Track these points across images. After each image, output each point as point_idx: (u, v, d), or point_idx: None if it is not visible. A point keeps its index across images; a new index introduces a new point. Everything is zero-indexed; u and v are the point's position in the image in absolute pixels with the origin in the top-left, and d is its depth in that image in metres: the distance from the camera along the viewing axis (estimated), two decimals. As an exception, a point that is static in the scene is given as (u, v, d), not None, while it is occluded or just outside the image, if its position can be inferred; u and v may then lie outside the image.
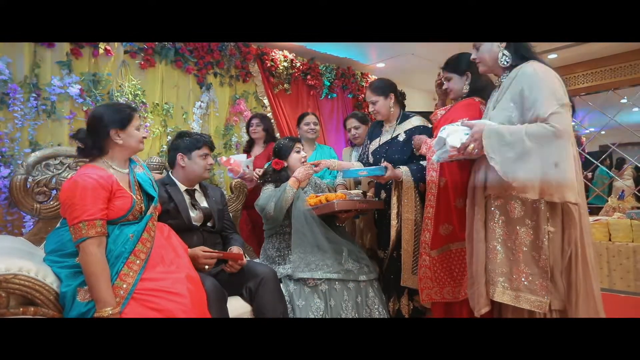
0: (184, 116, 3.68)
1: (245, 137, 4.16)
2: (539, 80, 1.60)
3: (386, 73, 5.51)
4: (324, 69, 4.85)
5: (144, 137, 1.82)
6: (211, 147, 2.25)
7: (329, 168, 2.68)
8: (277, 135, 4.34)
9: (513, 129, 1.59)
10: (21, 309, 1.47)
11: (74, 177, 1.61)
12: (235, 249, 2.14)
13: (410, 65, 5.30)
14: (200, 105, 3.81)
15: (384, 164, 2.33)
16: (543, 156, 1.54)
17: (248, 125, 3.55)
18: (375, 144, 2.58)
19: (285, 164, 2.59)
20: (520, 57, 1.73)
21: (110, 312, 1.45)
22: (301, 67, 4.60)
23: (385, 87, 2.50)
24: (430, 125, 2.43)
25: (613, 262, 4.04)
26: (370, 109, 2.53)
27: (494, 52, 1.78)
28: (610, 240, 4.15)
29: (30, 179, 2.05)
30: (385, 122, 2.58)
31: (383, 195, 2.53)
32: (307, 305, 2.12)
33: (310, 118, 3.35)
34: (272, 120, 4.13)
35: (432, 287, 2.07)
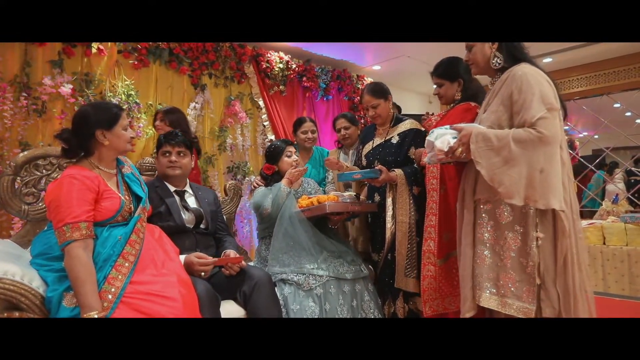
0: (177, 117, 3.63)
1: (240, 139, 4.15)
2: (528, 83, 1.56)
3: (382, 75, 5.52)
4: (319, 70, 4.84)
5: (133, 138, 1.77)
6: (175, 144, 2.14)
7: (338, 170, 2.62)
8: (273, 137, 4.33)
9: (500, 133, 1.57)
10: (5, 314, 1.43)
11: (59, 178, 1.56)
12: (230, 253, 2.10)
13: (406, 68, 5.31)
14: (194, 107, 3.78)
15: (378, 166, 2.31)
16: (529, 162, 1.51)
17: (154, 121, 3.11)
18: (368, 147, 2.58)
19: (276, 168, 2.57)
20: (513, 58, 1.68)
21: (96, 317, 1.40)
22: (297, 68, 4.58)
23: (384, 90, 2.49)
24: (423, 129, 2.43)
25: (607, 265, 4.06)
26: (370, 113, 2.50)
27: (486, 54, 1.74)
28: (604, 243, 4.17)
29: (18, 180, 2.00)
30: (379, 125, 2.57)
31: (377, 198, 2.51)
32: (302, 309, 2.09)
33: (308, 126, 3.05)
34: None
35: (435, 299, 2.05)
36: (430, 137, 1.71)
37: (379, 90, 2.48)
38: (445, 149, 1.64)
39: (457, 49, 2.07)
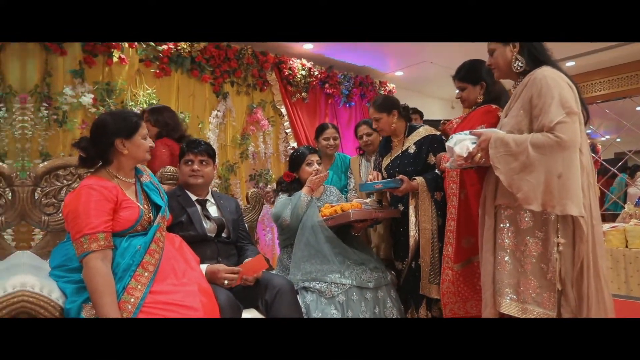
0: (199, 125, 3.63)
1: (262, 147, 4.11)
2: (547, 87, 1.54)
3: (404, 81, 5.47)
4: (342, 77, 4.79)
5: (152, 147, 1.74)
6: (198, 153, 2.12)
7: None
8: (295, 144, 4.28)
9: (518, 138, 1.56)
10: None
11: (76, 189, 1.55)
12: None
13: (428, 74, 5.25)
14: (216, 115, 3.77)
15: (400, 176, 2.31)
16: (547, 167, 1.50)
17: None
18: (387, 160, 2.58)
19: (296, 176, 2.55)
20: (534, 61, 1.66)
21: None
22: (319, 75, 4.55)
23: (388, 104, 2.48)
24: (438, 133, 2.45)
25: (630, 268, 3.95)
26: (374, 125, 2.56)
27: (507, 58, 1.71)
28: (627, 247, 4.05)
29: (38, 190, 1.99)
30: (393, 137, 2.58)
31: (400, 208, 2.49)
32: (324, 317, 2.06)
33: (330, 132, 3.06)
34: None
35: (455, 302, 2.08)
36: (449, 143, 1.72)
37: (383, 104, 2.47)
38: (465, 155, 1.64)
39: (479, 54, 2.07)
